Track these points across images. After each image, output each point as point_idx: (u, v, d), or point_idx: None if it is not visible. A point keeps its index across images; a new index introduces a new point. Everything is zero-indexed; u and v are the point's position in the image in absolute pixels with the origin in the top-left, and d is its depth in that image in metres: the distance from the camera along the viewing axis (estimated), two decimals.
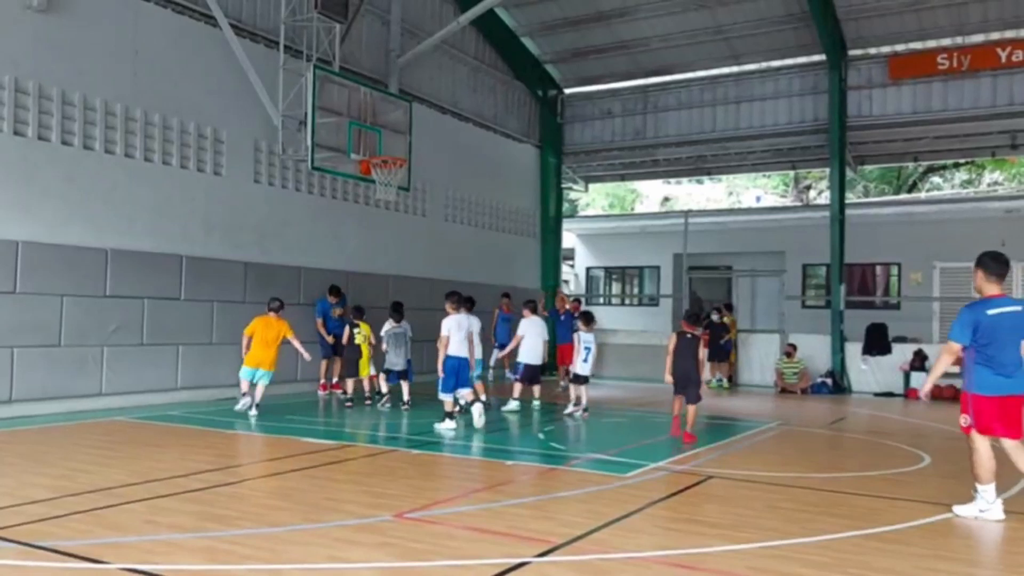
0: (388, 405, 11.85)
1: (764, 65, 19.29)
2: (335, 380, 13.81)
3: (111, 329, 11.33)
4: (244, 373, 11.01)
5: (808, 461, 8.71)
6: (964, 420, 6.23)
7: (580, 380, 11.74)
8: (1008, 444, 6.11)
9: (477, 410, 10.25)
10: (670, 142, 20.65)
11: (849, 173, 19.83)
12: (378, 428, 10.47)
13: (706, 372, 15.38)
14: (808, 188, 36.26)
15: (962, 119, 17.61)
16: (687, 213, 21.35)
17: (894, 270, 21.99)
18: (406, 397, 11.77)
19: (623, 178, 25.63)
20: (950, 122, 17.81)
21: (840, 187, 18.03)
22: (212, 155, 12.89)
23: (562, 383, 15.03)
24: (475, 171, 18.90)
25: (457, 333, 10.16)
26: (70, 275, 10.87)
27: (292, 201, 14.25)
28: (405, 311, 12.03)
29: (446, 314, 10.31)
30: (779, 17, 17.80)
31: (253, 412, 10.73)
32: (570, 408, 11.84)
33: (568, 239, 25.58)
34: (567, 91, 21.62)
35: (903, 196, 30.86)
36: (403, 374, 11.79)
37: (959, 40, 17.23)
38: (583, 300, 22.16)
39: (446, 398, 10.11)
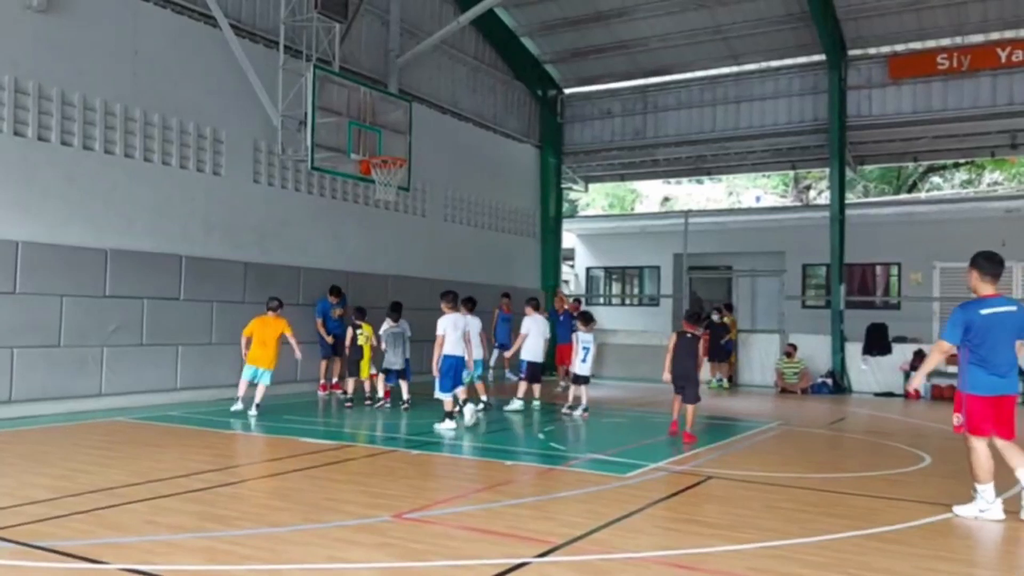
0: (388, 406, 11.86)
1: (764, 65, 19.29)
2: (335, 380, 13.83)
3: (111, 329, 11.33)
4: (245, 373, 11.06)
5: (808, 461, 8.71)
6: (956, 419, 6.25)
7: (580, 380, 11.75)
8: (1001, 444, 6.13)
9: (469, 410, 10.30)
10: (670, 142, 20.65)
11: (849, 173, 19.83)
12: (377, 428, 10.47)
13: (705, 372, 15.41)
14: (808, 188, 36.26)
15: (962, 119, 17.62)
16: (687, 213, 21.34)
17: (894, 270, 21.98)
18: (405, 396, 11.78)
19: (623, 178, 25.62)
20: (950, 122, 17.82)
21: (840, 187, 18.04)
22: (212, 155, 12.89)
23: (562, 383, 15.04)
24: (475, 171, 18.90)
25: (453, 332, 10.18)
26: (70, 275, 10.87)
27: (292, 201, 14.25)
28: (405, 311, 12.03)
29: (443, 314, 10.33)
30: (779, 17, 17.81)
31: (253, 412, 10.75)
32: (566, 408, 11.84)
33: (568, 239, 25.58)
34: (567, 91, 21.63)
35: (903, 196, 30.85)
36: (401, 374, 11.80)
37: (959, 40, 17.23)
38: (583, 300, 22.16)
39: (445, 398, 10.11)
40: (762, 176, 35.33)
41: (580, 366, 11.68)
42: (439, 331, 10.13)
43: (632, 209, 38.32)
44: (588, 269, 27.20)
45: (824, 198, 31.62)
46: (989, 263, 6.22)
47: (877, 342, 17.26)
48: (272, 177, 13.90)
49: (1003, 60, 16.68)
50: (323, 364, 13.81)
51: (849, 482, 7.58)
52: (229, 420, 10.47)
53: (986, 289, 6.22)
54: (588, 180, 24.38)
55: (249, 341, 11.00)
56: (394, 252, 16.36)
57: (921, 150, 20.41)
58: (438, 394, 10.21)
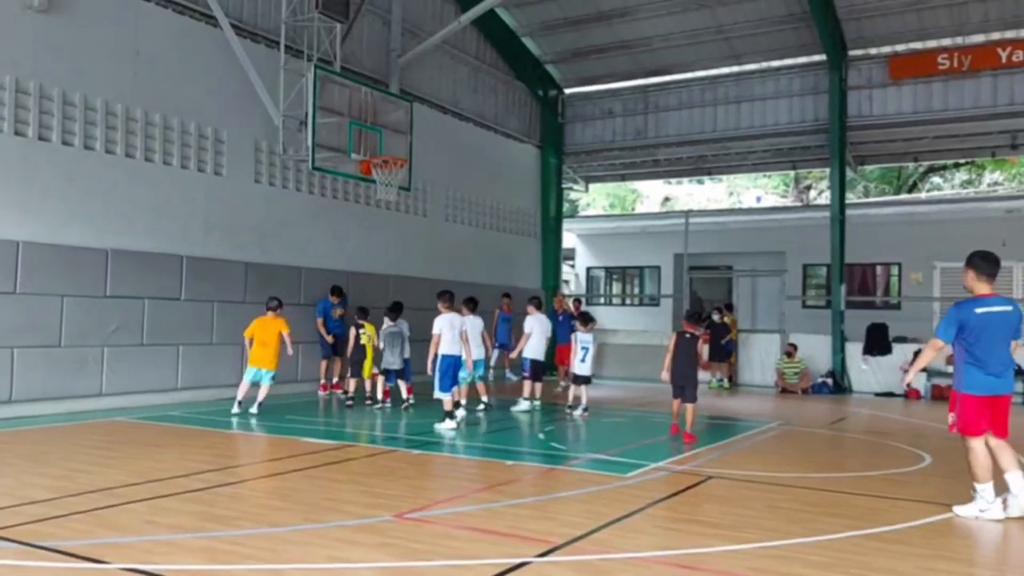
0: (388, 406, 11.87)
1: (764, 65, 19.28)
2: (335, 380, 13.83)
3: (111, 329, 11.33)
4: (247, 375, 11.10)
5: (808, 461, 8.71)
6: (951, 419, 6.26)
7: (580, 380, 11.75)
8: (994, 443, 6.14)
9: (459, 414, 10.37)
10: (670, 142, 20.65)
11: (849, 173, 19.83)
12: (378, 428, 10.48)
13: (703, 373, 15.40)
14: (808, 188, 36.25)
15: (962, 119, 17.61)
16: (687, 213, 21.35)
17: (894, 270, 21.98)
18: (405, 396, 11.78)
19: (623, 178, 25.63)
20: (950, 122, 17.81)
21: (840, 187, 18.03)
22: (212, 155, 12.89)
23: (562, 383, 15.04)
24: (475, 171, 18.89)
25: (449, 332, 10.22)
26: (70, 275, 10.87)
27: (292, 201, 14.25)
28: (405, 311, 12.04)
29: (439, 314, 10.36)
30: (779, 17, 17.80)
31: (254, 411, 10.78)
32: (568, 408, 11.84)
33: (568, 239, 25.58)
34: (568, 91, 21.62)
35: (903, 196, 30.85)
36: (400, 373, 11.81)
37: (959, 40, 17.22)
38: (583, 300, 22.16)
39: (445, 397, 10.12)
40: (763, 176, 35.33)
41: (579, 366, 11.68)
42: (435, 330, 10.18)
43: (633, 209, 38.33)
44: (588, 269, 27.20)
45: (824, 198, 31.60)
46: (985, 262, 6.23)
47: (877, 342, 17.25)
48: (273, 177, 13.90)
49: (1004, 60, 16.67)
50: (323, 364, 13.82)
51: (849, 482, 7.58)
52: (230, 420, 10.48)
53: (982, 288, 6.23)
54: (589, 180, 24.39)
55: (251, 343, 11.03)
56: (395, 252, 16.36)
57: (921, 150, 20.42)
58: (437, 394, 10.23)
